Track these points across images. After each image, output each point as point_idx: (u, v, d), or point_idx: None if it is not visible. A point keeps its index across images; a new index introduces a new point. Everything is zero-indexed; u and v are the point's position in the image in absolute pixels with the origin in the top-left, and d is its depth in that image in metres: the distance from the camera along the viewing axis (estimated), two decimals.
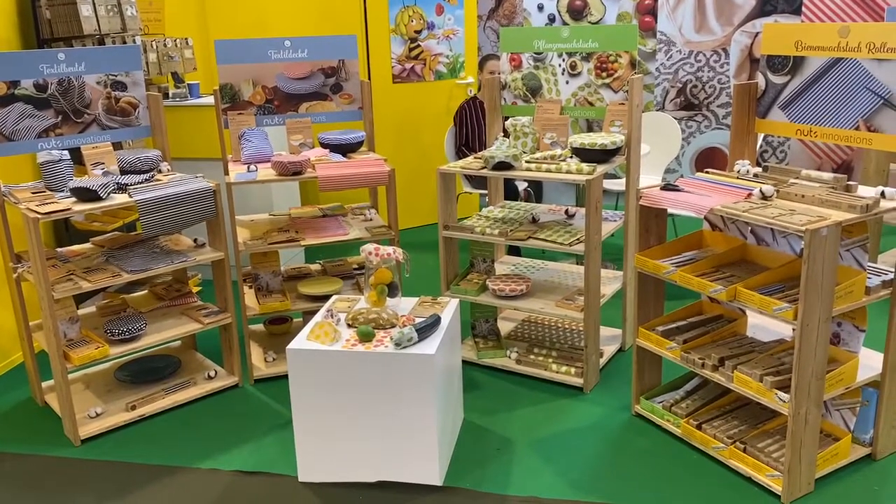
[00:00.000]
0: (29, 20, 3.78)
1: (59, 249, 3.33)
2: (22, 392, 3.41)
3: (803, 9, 5.24)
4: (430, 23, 5.42)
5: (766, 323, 2.96)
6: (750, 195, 2.63)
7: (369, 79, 5.16)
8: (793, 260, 2.66)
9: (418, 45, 5.42)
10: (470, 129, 4.84)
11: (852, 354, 2.57)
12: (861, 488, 2.57)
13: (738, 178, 2.85)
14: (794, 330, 2.80)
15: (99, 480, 2.76)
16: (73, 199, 2.94)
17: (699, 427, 2.80)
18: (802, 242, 2.29)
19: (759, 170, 2.88)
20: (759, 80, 2.95)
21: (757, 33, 5.33)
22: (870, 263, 2.58)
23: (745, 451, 2.64)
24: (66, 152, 3.11)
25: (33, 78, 3.06)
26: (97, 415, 3.10)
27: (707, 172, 2.95)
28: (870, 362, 2.63)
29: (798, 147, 5.58)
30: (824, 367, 2.43)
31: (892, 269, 2.59)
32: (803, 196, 2.54)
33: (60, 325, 3.00)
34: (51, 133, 3.15)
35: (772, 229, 2.77)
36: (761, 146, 5.54)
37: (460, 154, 4.86)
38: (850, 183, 2.59)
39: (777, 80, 2.89)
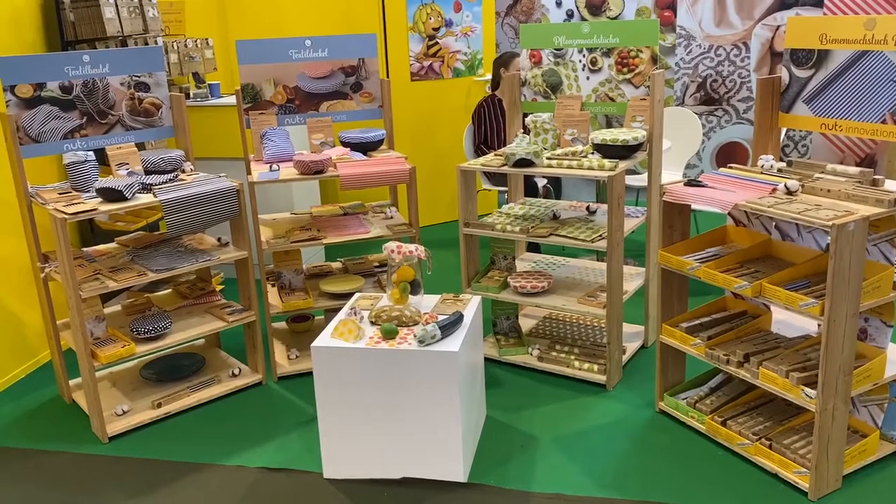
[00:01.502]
0: (53, 23, 3.83)
1: (85, 249, 3.37)
2: (50, 390, 3.46)
3: (826, 1, 5.18)
4: (448, 20, 5.42)
5: (790, 319, 2.94)
6: (774, 190, 2.61)
7: (388, 77, 5.17)
8: (819, 255, 2.63)
9: (436, 43, 5.43)
10: (489, 126, 4.84)
11: (880, 350, 2.55)
12: (890, 485, 2.55)
13: (762, 173, 2.82)
14: (819, 325, 2.78)
15: (126, 477, 2.79)
16: (99, 199, 2.97)
17: (724, 423, 2.78)
18: (829, 237, 2.27)
19: (784, 165, 2.86)
20: (783, 73, 2.92)
21: (778, 27, 5.28)
22: None
23: (770, 447, 2.63)
24: (91, 153, 3.14)
25: (59, 80, 3.10)
26: (124, 412, 3.14)
27: (730, 168, 2.93)
28: None
29: (820, 141, 5.52)
30: (852, 362, 2.41)
31: None
32: (829, 191, 2.52)
33: (87, 323, 3.04)
34: (76, 134, 3.19)
35: (797, 224, 2.75)
36: (783, 141, 5.49)
37: (479, 151, 4.86)
38: (876, 177, 2.56)
39: (801, 73, 2.87)
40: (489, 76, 5.58)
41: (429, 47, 5.41)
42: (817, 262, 2.60)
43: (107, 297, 3.99)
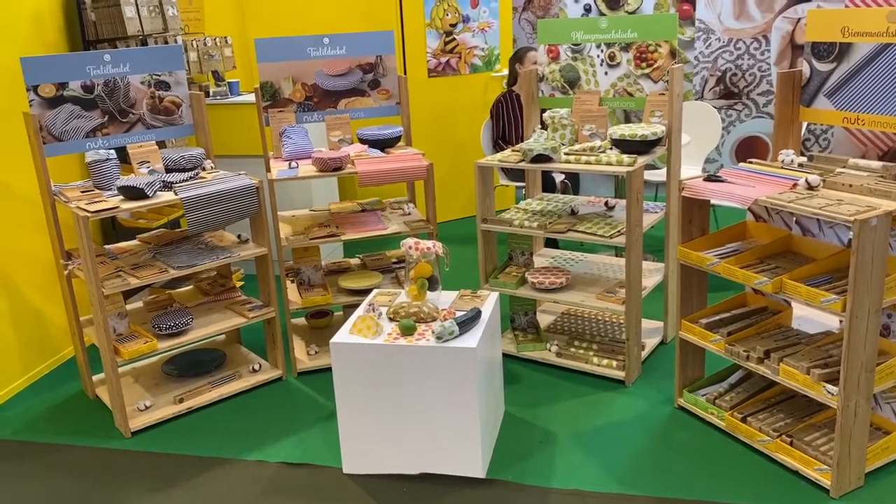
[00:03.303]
0: (75, 22, 3.87)
1: (107, 246, 3.41)
2: (73, 385, 3.51)
3: None
4: (465, 16, 5.41)
5: (811, 315, 2.91)
6: (795, 185, 2.59)
7: (405, 74, 5.17)
8: (840, 251, 2.61)
9: (454, 39, 5.42)
10: (506, 121, 4.83)
11: None
12: None
13: (782, 167, 2.80)
14: (841, 322, 2.76)
15: (149, 471, 2.83)
16: (121, 197, 3.01)
17: (744, 420, 2.77)
18: (850, 233, 2.25)
19: (804, 159, 2.83)
20: (804, 67, 2.89)
21: (799, 19, 5.22)
22: None
23: (791, 444, 2.61)
24: (112, 151, 3.18)
25: (81, 79, 3.14)
26: (146, 408, 3.18)
27: (750, 163, 2.91)
28: None
29: (842, 135, 5.45)
30: (874, 359, 2.38)
31: None
32: (851, 185, 2.50)
33: (110, 320, 3.08)
34: (98, 133, 3.23)
35: (818, 220, 2.73)
36: (803, 135, 5.42)
37: (497, 147, 4.86)
38: None
39: (822, 67, 2.84)
40: (506, 72, 5.57)
41: (446, 43, 5.41)
42: (839, 257, 2.58)
43: (129, 294, 4.04)
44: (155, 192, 3.01)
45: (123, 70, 3.25)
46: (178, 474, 2.80)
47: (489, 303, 2.88)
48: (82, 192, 3.12)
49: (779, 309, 2.95)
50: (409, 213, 3.70)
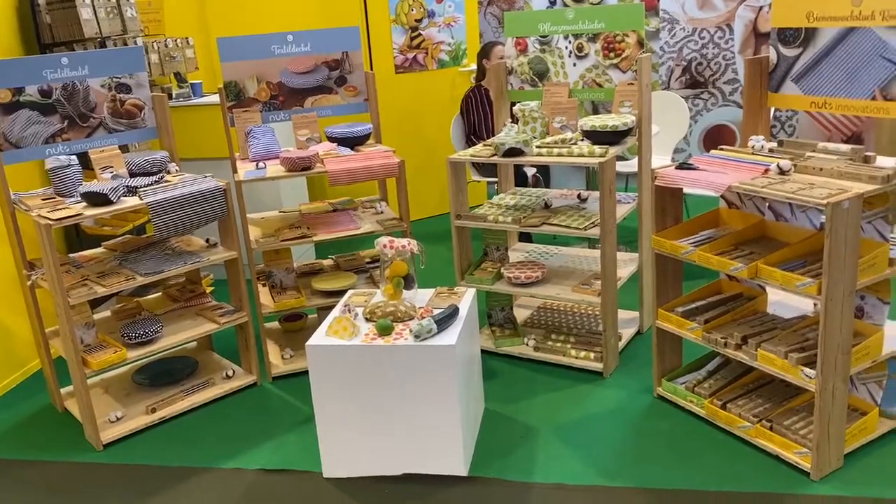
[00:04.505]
0: (29, 25, 3.76)
1: (71, 255, 3.32)
2: (41, 399, 3.41)
3: None
4: (430, 11, 5.37)
5: (786, 299, 2.93)
6: (767, 170, 2.60)
7: (372, 70, 5.12)
8: (813, 234, 2.62)
9: (419, 34, 5.38)
10: (477, 116, 4.81)
11: (877, 328, 2.54)
12: (891, 462, 2.55)
13: (752, 153, 2.81)
14: (816, 305, 2.78)
15: (123, 484, 2.75)
16: (84, 203, 2.92)
17: (723, 407, 2.77)
18: (823, 216, 2.26)
19: (774, 145, 2.84)
20: (771, 53, 2.90)
21: (761, 7, 5.26)
22: (892, 235, 2.54)
23: (771, 429, 2.62)
24: (74, 157, 3.09)
25: (37, 84, 3.04)
26: (118, 419, 3.10)
27: (721, 149, 2.91)
28: (895, 334, 2.60)
29: (806, 121, 5.51)
30: (850, 341, 2.40)
31: None
32: (822, 169, 2.51)
33: (77, 330, 2.99)
34: (58, 139, 3.14)
35: (790, 204, 2.74)
36: (769, 121, 5.48)
37: (469, 143, 4.83)
38: (868, 154, 2.55)
39: (789, 52, 2.85)
40: (474, 66, 5.54)
41: (412, 39, 5.36)
42: (812, 241, 2.59)
43: (96, 303, 3.94)
44: (119, 197, 2.93)
45: (82, 73, 3.16)
46: (152, 486, 2.73)
47: (466, 299, 2.85)
48: (43, 199, 3.02)
49: (754, 294, 2.96)
50: (382, 212, 3.65)
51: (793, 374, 2.46)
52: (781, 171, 2.55)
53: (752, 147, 2.85)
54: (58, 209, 2.86)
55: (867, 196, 2.33)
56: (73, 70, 3.13)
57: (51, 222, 2.75)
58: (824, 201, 2.23)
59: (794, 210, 2.76)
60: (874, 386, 2.68)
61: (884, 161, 2.54)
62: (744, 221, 2.88)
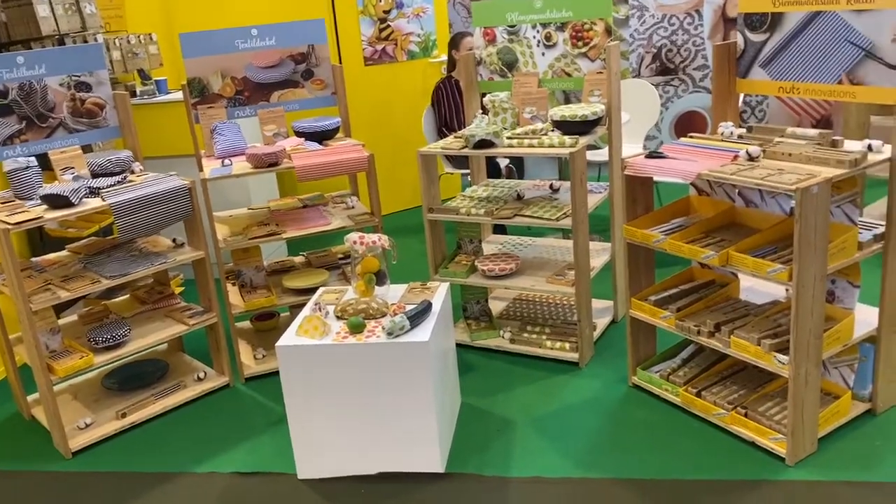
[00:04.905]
0: None
1: (33, 259, 3.24)
2: (7, 408, 3.33)
3: None
4: (398, 2, 5.31)
5: (758, 285, 2.94)
6: (736, 157, 2.59)
7: (340, 63, 5.05)
8: (783, 220, 2.62)
9: (388, 26, 5.32)
10: (448, 108, 4.77)
11: (848, 311, 2.55)
12: (864, 444, 2.56)
13: (722, 140, 2.80)
14: (787, 290, 2.78)
15: (93, 493, 2.69)
16: (45, 206, 2.85)
17: (698, 395, 2.77)
18: (792, 202, 2.26)
19: (744, 131, 2.84)
20: (738, 39, 2.90)
21: None
22: (860, 218, 2.55)
23: (746, 415, 2.62)
24: (33, 159, 3.00)
25: None
26: (87, 425, 3.03)
27: (691, 137, 2.91)
28: (865, 317, 2.61)
29: (776, 105, 5.55)
30: (821, 325, 2.41)
31: (883, 223, 2.56)
32: (790, 154, 2.51)
33: (41, 336, 2.92)
34: (16, 140, 3.05)
35: (760, 190, 2.74)
36: (740, 107, 5.50)
37: (441, 135, 4.79)
38: (836, 138, 2.56)
39: (756, 38, 2.84)
40: (444, 57, 5.49)
41: (381, 30, 5.30)
42: (782, 227, 2.59)
43: (62, 308, 3.85)
44: (81, 199, 2.86)
45: (39, 72, 3.07)
46: (125, 493, 2.68)
47: (439, 294, 2.82)
48: (1, 203, 2.94)
49: (726, 281, 2.96)
50: (353, 207, 3.61)
51: (766, 360, 2.46)
52: (750, 158, 2.55)
53: (722, 133, 2.84)
54: (17, 213, 2.78)
55: (836, 180, 2.33)
56: (29, 69, 3.05)
57: (9, 226, 2.67)
58: (793, 187, 2.23)
59: (764, 196, 2.76)
60: (846, 370, 2.69)
61: (851, 145, 2.54)
62: (714, 208, 2.87)
